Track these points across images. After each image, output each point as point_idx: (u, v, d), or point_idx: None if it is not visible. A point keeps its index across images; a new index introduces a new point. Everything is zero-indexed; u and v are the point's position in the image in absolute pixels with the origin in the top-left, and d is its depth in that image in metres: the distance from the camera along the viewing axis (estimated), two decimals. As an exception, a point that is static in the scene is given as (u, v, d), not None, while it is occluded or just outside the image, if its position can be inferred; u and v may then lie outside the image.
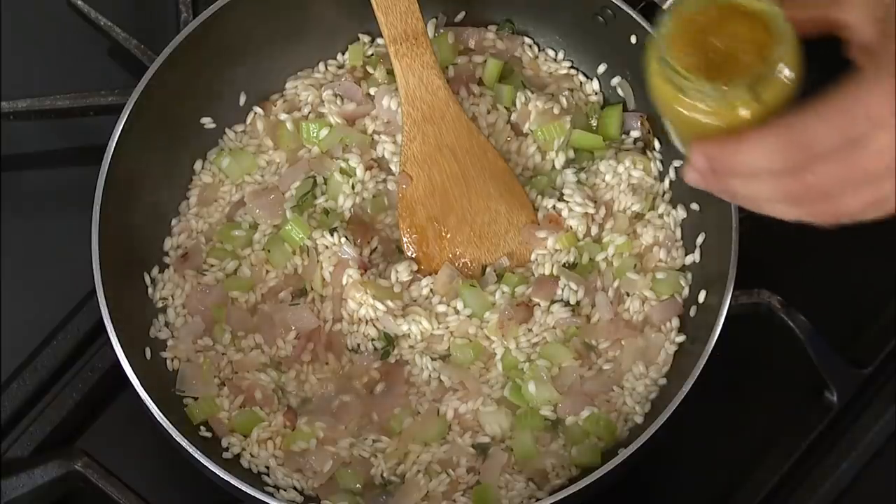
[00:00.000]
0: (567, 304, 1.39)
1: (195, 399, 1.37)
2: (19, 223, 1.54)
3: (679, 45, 1.08)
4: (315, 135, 1.46)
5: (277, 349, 1.39)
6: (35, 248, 1.53)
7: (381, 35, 1.43)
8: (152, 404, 1.29)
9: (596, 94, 1.50)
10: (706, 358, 1.28)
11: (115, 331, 1.31)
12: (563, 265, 1.41)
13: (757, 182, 1.08)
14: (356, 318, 1.40)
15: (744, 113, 1.06)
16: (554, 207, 1.42)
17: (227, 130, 1.49)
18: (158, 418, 1.28)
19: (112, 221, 1.35)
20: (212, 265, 1.43)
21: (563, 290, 1.39)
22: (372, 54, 1.51)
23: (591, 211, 1.41)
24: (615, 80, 1.48)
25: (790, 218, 1.10)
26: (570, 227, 1.41)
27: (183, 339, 1.39)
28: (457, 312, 1.39)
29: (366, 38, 1.52)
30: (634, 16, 1.40)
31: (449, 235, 1.42)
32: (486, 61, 1.49)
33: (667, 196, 1.44)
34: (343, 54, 1.52)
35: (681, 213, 1.42)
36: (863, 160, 1.04)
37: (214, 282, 1.42)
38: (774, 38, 1.06)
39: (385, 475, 1.34)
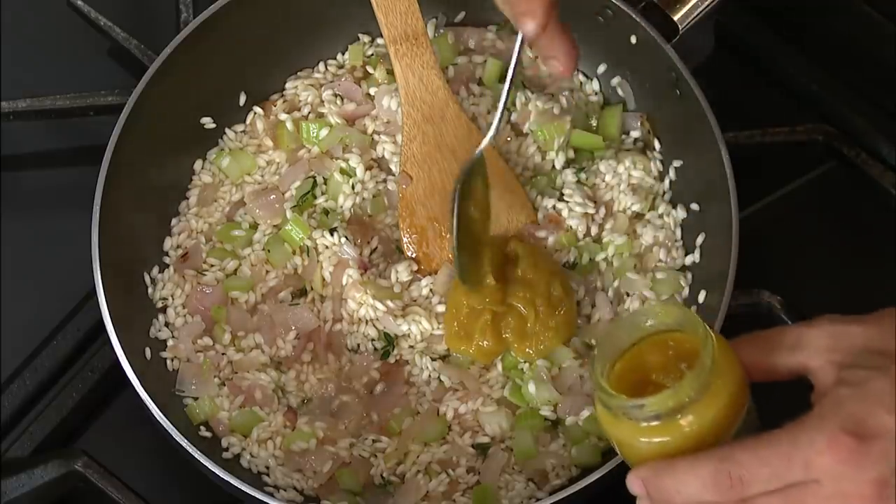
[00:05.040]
0: (567, 304, 1.39)
1: (195, 399, 1.37)
2: (19, 223, 1.53)
3: (613, 367, 1.09)
4: (315, 135, 1.46)
5: (277, 349, 1.39)
6: (35, 248, 1.53)
7: (381, 35, 1.43)
8: (152, 404, 1.29)
9: (596, 94, 1.50)
10: (706, 358, 1.28)
11: (115, 331, 1.31)
12: (563, 265, 1.41)
13: None
14: (356, 318, 1.39)
15: (666, 435, 1.05)
16: (554, 207, 1.42)
17: (227, 130, 1.49)
18: (158, 418, 1.28)
19: (112, 221, 1.35)
20: (212, 265, 1.43)
21: (563, 289, 1.40)
22: (372, 54, 1.51)
23: (591, 211, 1.41)
24: (615, 80, 1.48)
25: None
26: (570, 227, 1.41)
27: (183, 339, 1.39)
28: (457, 312, 1.39)
29: (366, 38, 1.52)
30: (634, 16, 1.40)
31: (449, 235, 1.42)
32: (486, 61, 1.49)
33: (667, 196, 1.44)
34: (343, 54, 1.52)
35: (681, 213, 1.42)
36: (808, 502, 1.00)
37: (214, 282, 1.42)
38: (696, 364, 1.05)
39: (385, 475, 1.34)
